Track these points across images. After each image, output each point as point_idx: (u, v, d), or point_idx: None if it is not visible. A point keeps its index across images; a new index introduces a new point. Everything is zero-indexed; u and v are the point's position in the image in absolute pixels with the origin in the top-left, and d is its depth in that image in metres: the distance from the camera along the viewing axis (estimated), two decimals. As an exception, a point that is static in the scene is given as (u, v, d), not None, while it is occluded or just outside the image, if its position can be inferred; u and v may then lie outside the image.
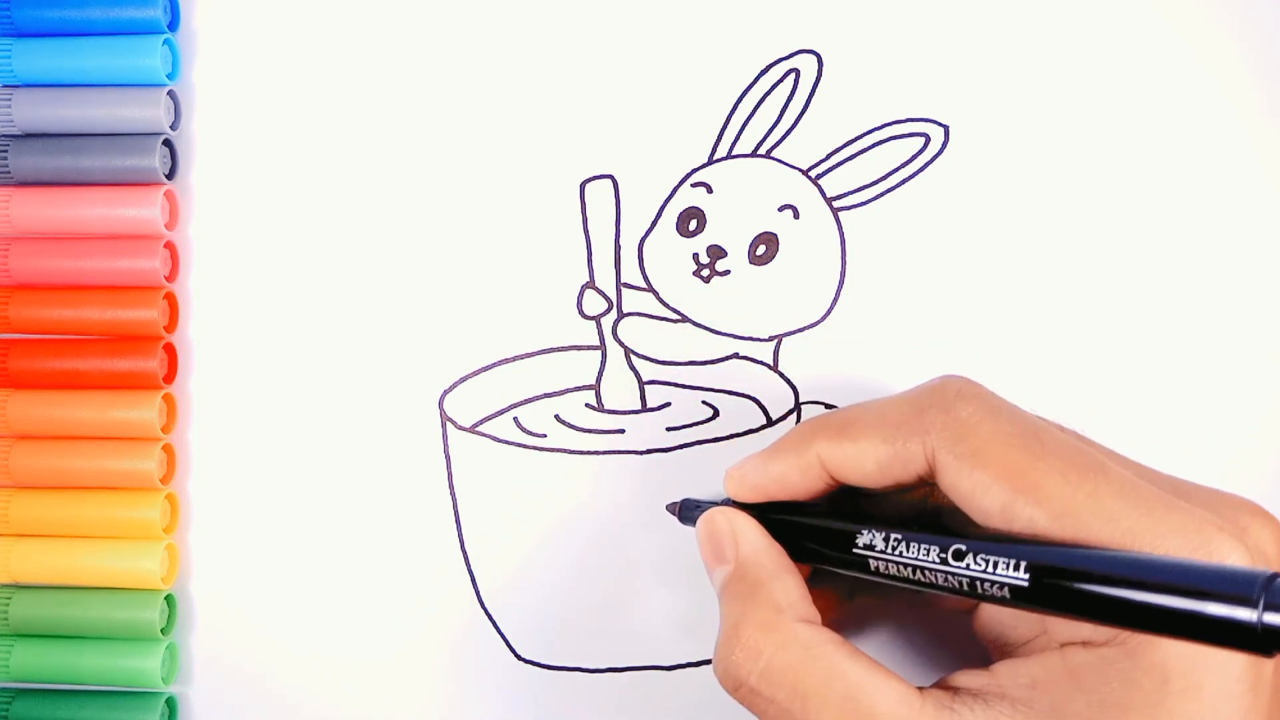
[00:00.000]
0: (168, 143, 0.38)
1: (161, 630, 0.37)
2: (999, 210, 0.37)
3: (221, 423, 0.38)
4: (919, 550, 0.27)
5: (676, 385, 0.37)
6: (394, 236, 0.38)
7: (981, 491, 0.26)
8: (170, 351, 0.38)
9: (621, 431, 0.37)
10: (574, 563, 0.37)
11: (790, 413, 0.37)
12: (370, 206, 0.38)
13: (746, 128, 0.37)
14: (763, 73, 0.37)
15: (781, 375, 0.37)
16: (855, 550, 0.28)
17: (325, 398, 0.38)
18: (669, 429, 0.37)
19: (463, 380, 0.37)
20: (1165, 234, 0.37)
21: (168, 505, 0.37)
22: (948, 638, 0.36)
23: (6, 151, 0.37)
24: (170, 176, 0.38)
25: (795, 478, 0.30)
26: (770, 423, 0.37)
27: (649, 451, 0.37)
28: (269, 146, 0.38)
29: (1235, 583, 0.22)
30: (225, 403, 0.38)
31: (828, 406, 0.37)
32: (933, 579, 0.26)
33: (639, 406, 0.37)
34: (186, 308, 0.38)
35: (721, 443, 0.37)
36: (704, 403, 0.37)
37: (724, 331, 0.37)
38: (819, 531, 0.29)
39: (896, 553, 0.27)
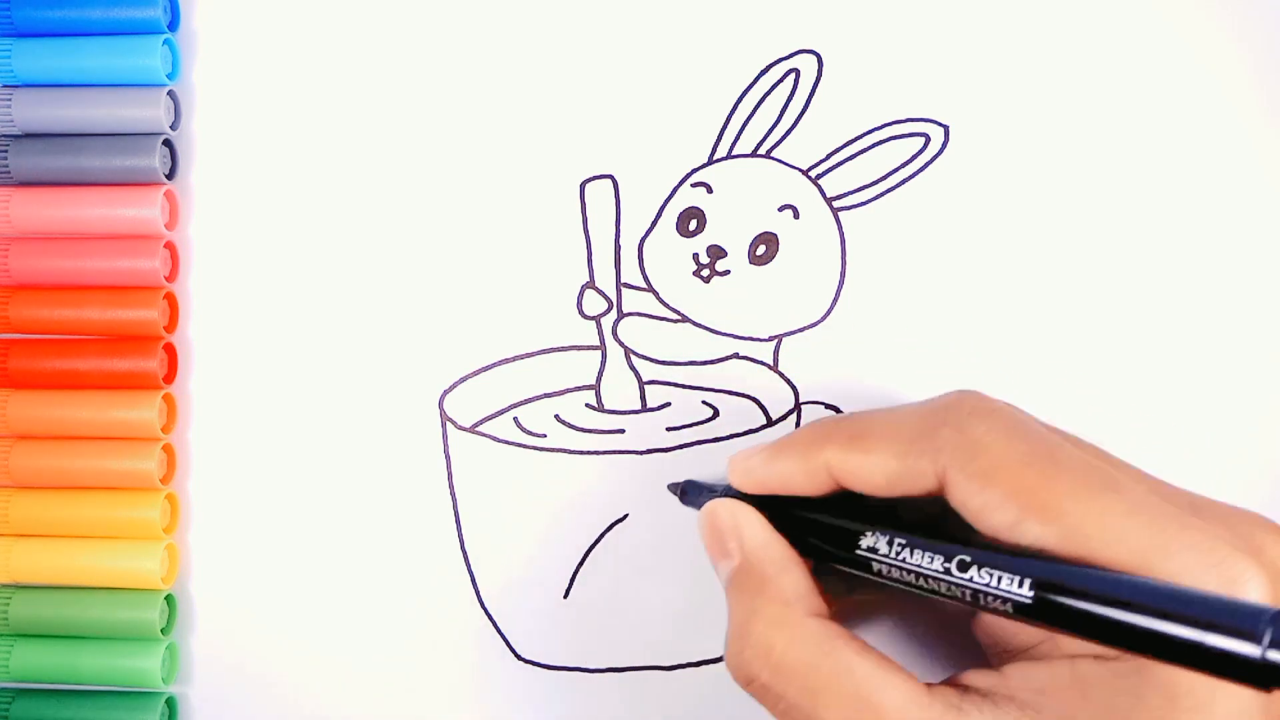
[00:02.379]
0: (168, 143, 0.38)
1: (161, 630, 0.37)
2: (999, 210, 0.37)
3: (221, 423, 0.38)
4: (923, 557, 0.26)
5: (676, 385, 0.37)
6: (394, 236, 0.38)
7: (991, 509, 0.26)
8: (170, 351, 0.38)
9: (621, 431, 0.37)
10: (574, 563, 0.37)
11: (790, 413, 0.37)
12: (370, 206, 0.38)
13: (746, 128, 0.37)
14: (763, 73, 0.37)
15: (781, 375, 0.37)
16: (858, 551, 0.28)
17: (325, 398, 0.38)
18: (669, 429, 0.37)
19: (463, 380, 0.37)
20: (1165, 234, 0.37)
21: (168, 505, 0.37)
22: (951, 635, 0.35)
23: (6, 151, 0.37)
24: (170, 176, 0.38)
25: (800, 479, 0.30)
26: (770, 423, 0.37)
27: (649, 451, 0.37)
28: (269, 146, 0.38)
29: (1240, 616, 0.22)
30: (225, 403, 0.38)
31: (828, 407, 0.37)
32: (935, 587, 0.26)
33: (639, 406, 0.37)
34: (186, 308, 0.38)
35: (721, 443, 0.37)
36: (704, 403, 0.37)
37: (724, 331, 0.37)
38: (822, 528, 0.29)
39: (900, 558, 0.27)
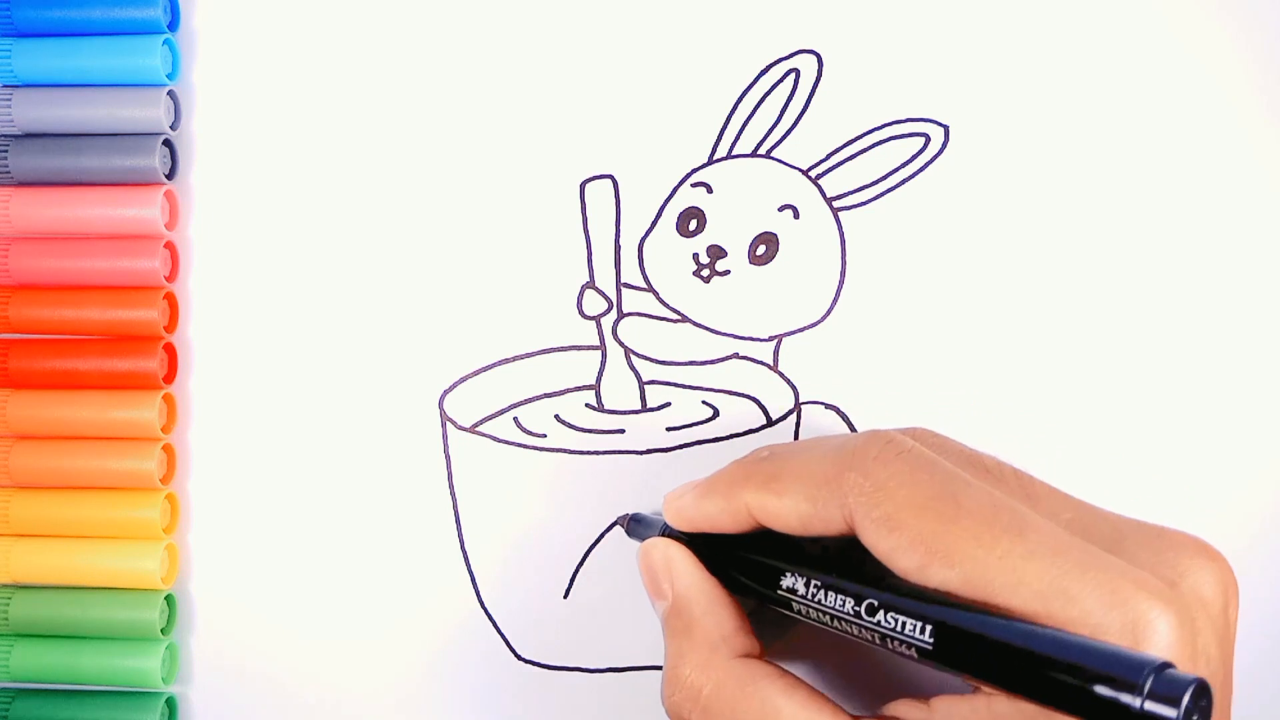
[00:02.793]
0: (168, 143, 0.38)
1: (161, 630, 0.37)
2: (999, 210, 0.37)
3: (221, 423, 0.38)
4: (836, 599, 0.27)
5: (676, 385, 0.37)
6: (394, 236, 0.38)
7: (898, 554, 0.26)
8: (170, 351, 0.38)
9: (621, 431, 0.37)
10: (574, 563, 0.37)
11: (790, 413, 0.37)
12: (370, 206, 0.38)
13: (746, 128, 0.37)
14: (763, 73, 0.37)
15: (781, 375, 0.37)
16: (779, 591, 0.29)
17: (325, 398, 0.38)
18: (669, 429, 0.37)
19: (463, 380, 0.37)
20: (1165, 234, 0.37)
21: (168, 505, 0.37)
22: (902, 663, 0.35)
23: (6, 151, 0.37)
24: (170, 176, 0.38)
25: (725, 519, 0.30)
26: (770, 423, 0.37)
27: (649, 451, 0.37)
28: (269, 146, 0.38)
29: (1125, 666, 0.22)
30: (225, 403, 0.38)
31: (828, 407, 0.37)
32: (847, 628, 0.27)
33: (639, 406, 0.37)
34: (186, 308, 0.38)
35: (721, 443, 0.37)
36: (704, 403, 0.37)
37: (724, 331, 0.37)
38: (750, 567, 0.30)
39: (815, 599, 0.28)
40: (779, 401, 0.37)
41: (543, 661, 0.37)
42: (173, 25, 0.38)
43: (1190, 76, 0.37)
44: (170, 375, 0.38)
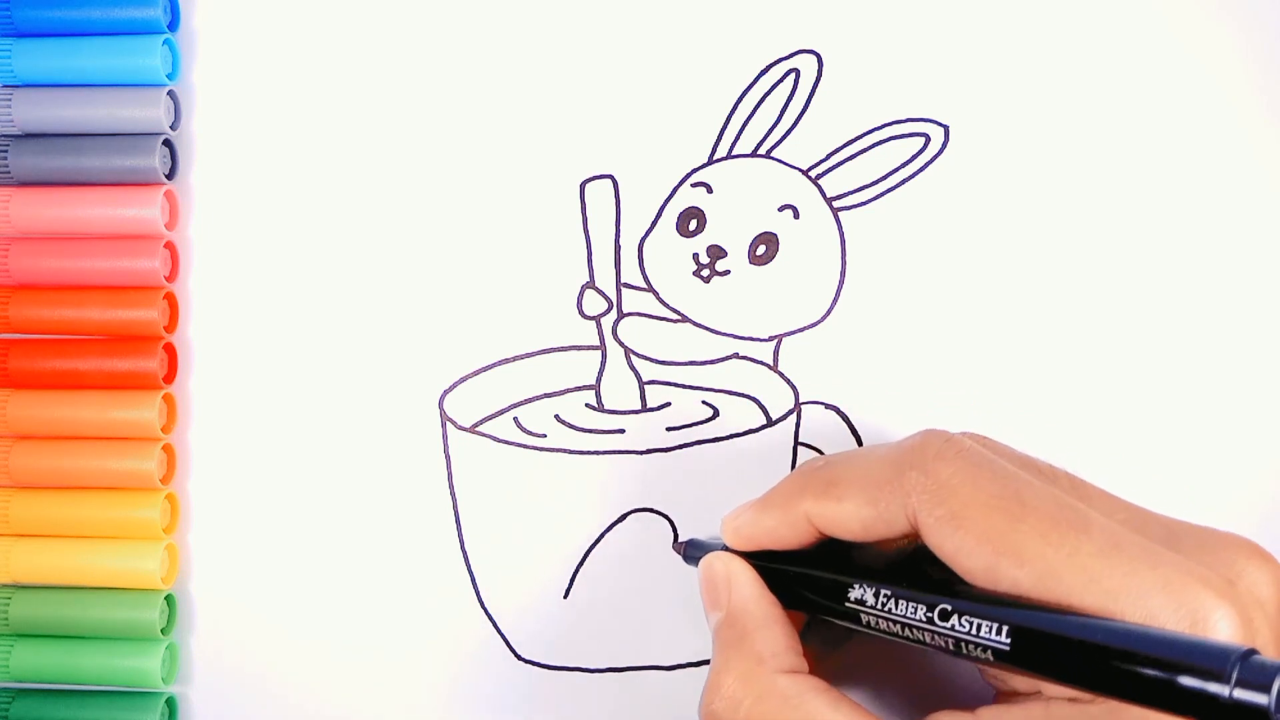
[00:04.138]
0: (168, 143, 0.38)
1: (161, 630, 0.37)
2: (999, 210, 0.37)
3: (221, 423, 0.38)
4: (907, 608, 0.27)
5: (676, 385, 0.37)
6: (394, 236, 0.38)
7: (965, 554, 0.26)
8: (170, 351, 0.38)
9: (621, 431, 0.37)
10: (574, 563, 0.37)
11: (790, 413, 0.37)
12: (370, 206, 0.38)
13: (746, 128, 0.37)
14: (763, 73, 0.37)
15: (781, 375, 0.37)
16: (847, 603, 0.28)
17: (325, 398, 0.38)
18: (669, 429, 0.37)
19: (463, 380, 0.37)
20: (1165, 233, 0.37)
21: (168, 505, 0.37)
22: (952, 676, 0.35)
23: (6, 151, 0.37)
24: (170, 176, 0.38)
25: (785, 532, 0.30)
26: (770, 423, 0.37)
27: (649, 451, 0.37)
28: (269, 146, 0.38)
29: (1208, 656, 0.22)
30: (225, 403, 0.38)
31: (828, 407, 0.37)
32: (920, 636, 0.27)
33: (639, 406, 0.37)
34: (186, 308, 0.38)
35: (721, 443, 0.37)
36: (704, 403, 0.37)
37: (724, 331, 0.37)
38: (813, 582, 0.30)
39: (885, 609, 0.27)
40: (779, 401, 0.37)
41: (543, 661, 0.37)
42: (173, 25, 0.38)
43: (1190, 76, 0.37)
44: (170, 375, 0.38)
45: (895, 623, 0.27)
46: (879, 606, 0.27)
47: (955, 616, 0.26)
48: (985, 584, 0.26)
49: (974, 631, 0.25)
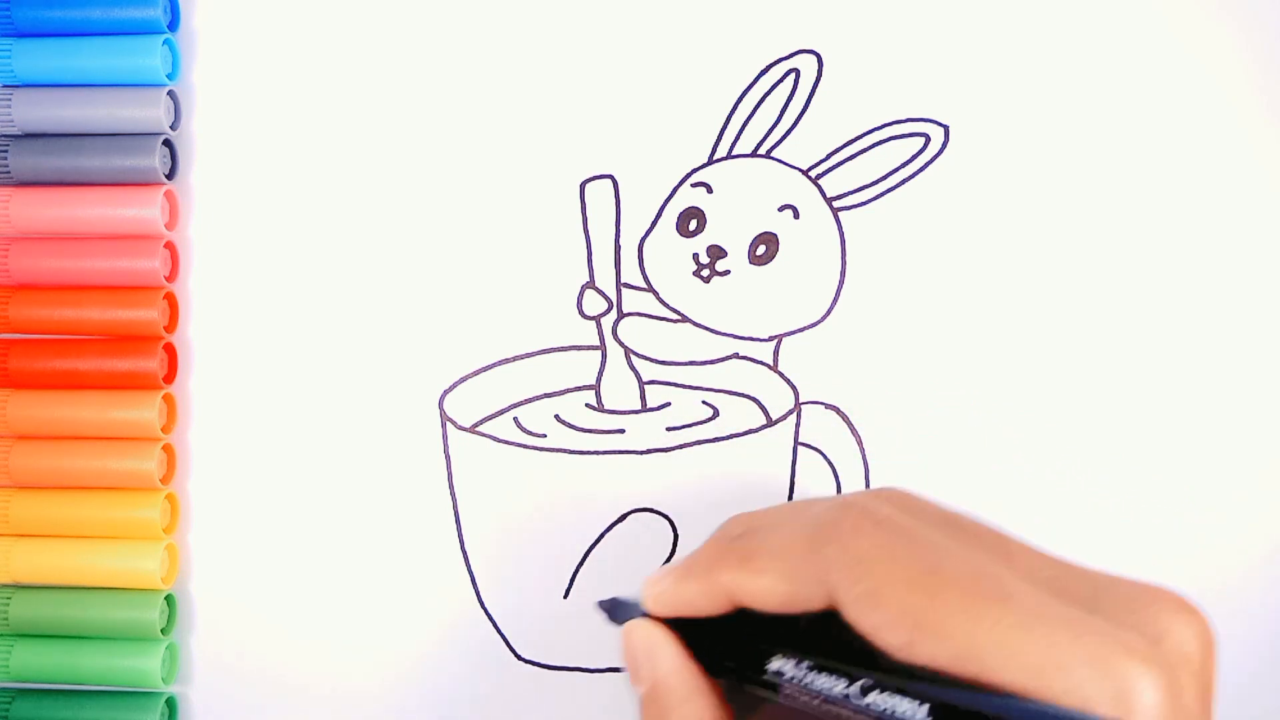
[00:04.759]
0: (168, 143, 0.38)
1: (161, 630, 0.37)
2: (999, 210, 0.37)
3: (221, 423, 0.38)
4: (826, 681, 0.26)
5: (676, 385, 0.37)
6: (394, 236, 0.38)
7: (884, 630, 0.26)
8: (170, 351, 0.38)
9: (621, 431, 0.37)
10: (574, 563, 0.37)
11: (790, 412, 0.37)
12: (370, 206, 0.38)
13: (746, 128, 0.37)
14: (763, 73, 0.37)
15: (781, 375, 0.37)
16: (766, 673, 0.28)
17: (325, 398, 0.38)
18: (669, 429, 0.37)
19: (463, 380, 0.37)
20: (1165, 233, 0.37)
21: (168, 505, 0.37)
22: None
23: (6, 151, 0.37)
24: (170, 176, 0.38)
25: (704, 602, 0.30)
26: (770, 423, 0.37)
27: (649, 451, 0.37)
28: (269, 146, 0.38)
29: None
30: (225, 403, 0.38)
31: (828, 407, 0.37)
32: (839, 711, 0.26)
33: (639, 406, 0.37)
34: (186, 308, 0.38)
35: (721, 443, 0.37)
36: (704, 403, 0.37)
37: (724, 331, 0.37)
38: (734, 650, 0.29)
39: (804, 682, 0.27)
40: (779, 401, 0.37)
41: (543, 661, 0.37)
42: (173, 25, 0.38)
43: (1190, 76, 0.37)
44: (170, 375, 0.38)
45: (815, 696, 0.27)
46: (799, 678, 0.27)
47: (875, 692, 0.25)
48: (907, 658, 0.26)
49: (893, 709, 0.25)
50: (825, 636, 0.27)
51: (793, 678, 0.27)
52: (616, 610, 0.33)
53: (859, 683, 0.26)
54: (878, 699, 0.25)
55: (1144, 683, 0.23)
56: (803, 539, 0.28)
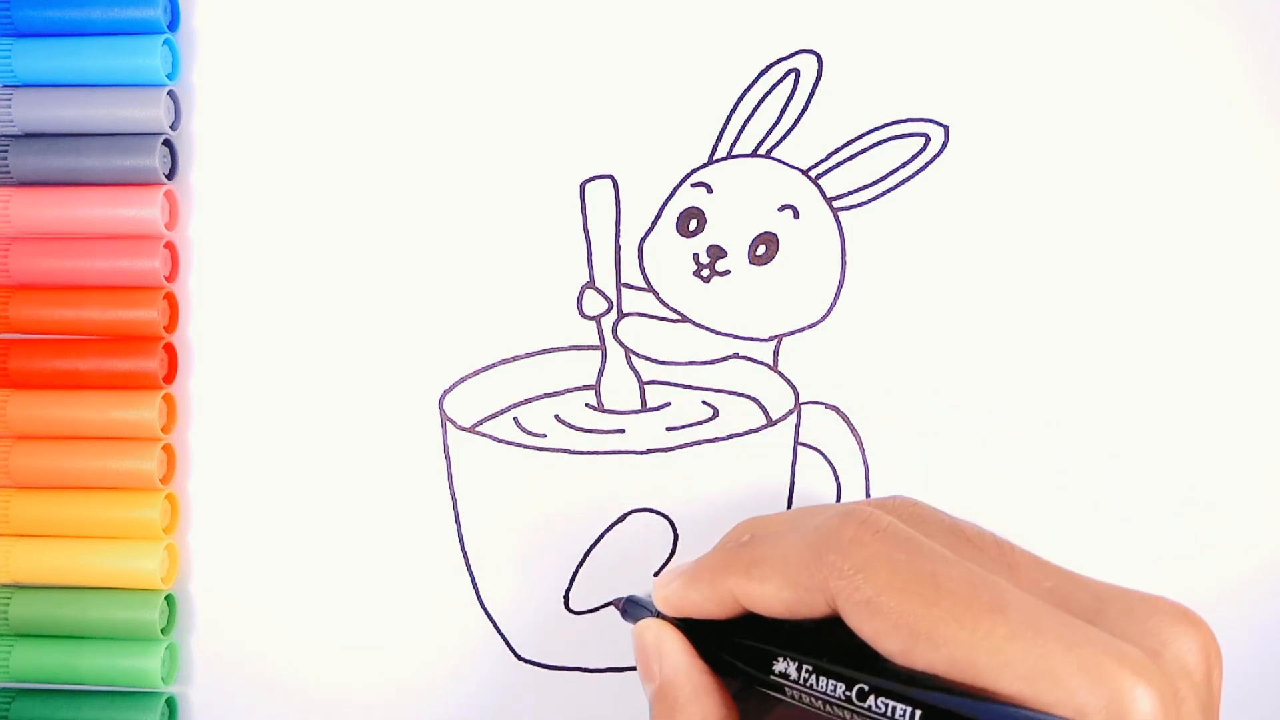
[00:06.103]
0: (168, 143, 0.38)
1: (161, 630, 0.37)
2: (999, 210, 0.37)
3: (221, 423, 0.38)
4: (827, 684, 0.27)
5: (676, 385, 0.37)
6: (394, 237, 0.38)
7: (882, 637, 0.26)
8: (170, 351, 0.38)
9: (621, 431, 0.37)
10: (574, 563, 0.37)
11: (790, 413, 0.37)
12: (370, 207, 0.38)
13: (746, 128, 0.37)
14: (763, 73, 0.37)
15: (781, 375, 0.37)
16: (772, 675, 0.29)
17: (325, 398, 0.38)
18: (669, 429, 0.37)
19: (463, 380, 0.37)
20: (1165, 233, 0.37)
21: (168, 505, 0.37)
22: None
23: (6, 151, 0.37)
24: (170, 176, 0.38)
25: (712, 606, 0.30)
26: (770, 423, 0.37)
27: (649, 451, 0.37)
28: (269, 146, 0.38)
29: None
30: (225, 403, 0.38)
31: (828, 407, 0.37)
32: (840, 713, 0.27)
33: (639, 406, 0.37)
34: (186, 308, 0.38)
35: (721, 443, 0.37)
36: (704, 403, 0.37)
37: (724, 331, 0.37)
38: (742, 651, 0.30)
39: (807, 684, 0.28)
40: (779, 401, 0.37)
41: (543, 661, 0.37)
42: (173, 25, 0.38)
43: (1190, 76, 0.37)
44: (170, 375, 0.38)
45: (816, 698, 0.27)
46: (800, 681, 0.28)
47: (872, 697, 0.26)
48: (905, 664, 0.26)
49: (889, 713, 0.26)
50: (832, 640, 0.28)
51: (796, 680, 0.28)
52: (630, 608, 0.33)
53: (857, 686, 0.26)
54: (875, 703, 0.26)
55: (1138, 693, 0.23)
56: (805, 547, 0.28)
